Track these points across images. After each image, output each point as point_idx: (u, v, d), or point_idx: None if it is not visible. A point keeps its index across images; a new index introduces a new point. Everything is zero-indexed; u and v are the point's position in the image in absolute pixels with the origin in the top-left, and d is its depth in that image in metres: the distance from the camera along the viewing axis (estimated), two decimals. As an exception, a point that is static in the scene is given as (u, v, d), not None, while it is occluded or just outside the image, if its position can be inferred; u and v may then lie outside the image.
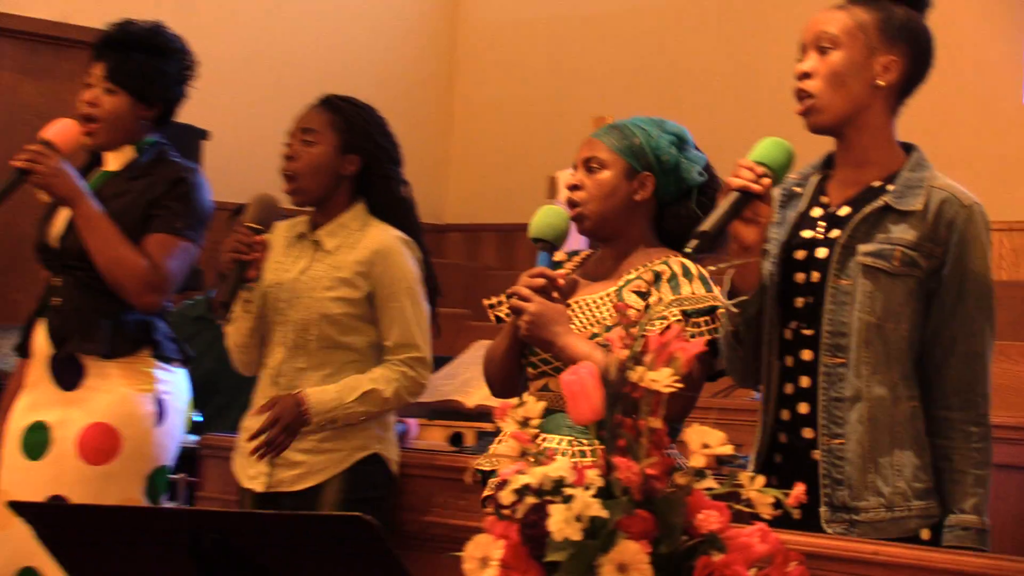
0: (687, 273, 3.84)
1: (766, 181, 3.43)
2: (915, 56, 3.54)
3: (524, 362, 3.98)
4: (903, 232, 3.46)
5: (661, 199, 3.97)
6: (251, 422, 4.64)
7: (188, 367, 4.85)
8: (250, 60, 9.54)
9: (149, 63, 4.73)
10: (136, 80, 4.71)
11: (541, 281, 3.82)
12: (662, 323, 3.67)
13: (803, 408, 3.56)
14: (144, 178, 4.70)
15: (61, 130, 4.64)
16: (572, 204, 3.94)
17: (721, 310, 3.74)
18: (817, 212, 3.60)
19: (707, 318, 3.78)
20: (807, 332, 3.55)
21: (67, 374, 4.65)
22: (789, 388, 3.59)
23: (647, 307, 3.67)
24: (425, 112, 10.56)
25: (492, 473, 3.97)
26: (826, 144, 3.66)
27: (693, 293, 3.81)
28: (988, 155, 8.07)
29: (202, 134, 8.34)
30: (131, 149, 4.75)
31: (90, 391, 4.64)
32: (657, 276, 3.85)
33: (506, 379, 4.04)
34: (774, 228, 3.63)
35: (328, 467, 4.54)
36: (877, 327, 3.46)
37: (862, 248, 3.48)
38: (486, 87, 10.59)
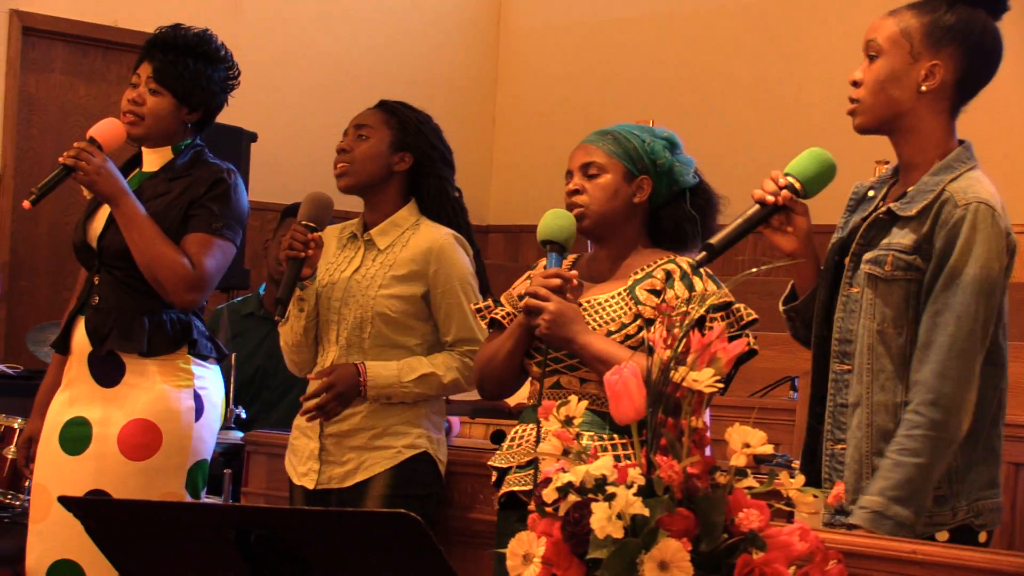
0: (696, 271, 3.88)
1: (785, 194, 3.46)
2: (966, 57, 3.47)
3: (529, 361, 4.00)
4: (901, 237, 3.43)
5: (654, 201, 4.01)
6: (302, 420, 4.63)
7: (229, 364, 4.85)
8: (297, 64, 9.56)
9: (196, 68, 4.74)
10: (181, 83, 4.72)
11: (557, 282, 3.84)
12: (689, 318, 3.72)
13: None
14: (183, 178, 4.70)
15: (106, 128, 4.66)
16: (572, 208, 3.97)
17: (736, 305, 3.81)
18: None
19: (723, 313, 3.82)
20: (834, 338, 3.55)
21: (106, 371, 4.65)
22: None
23: (662, 303, 3.68)
24: (468, 116, 10.56)
25: (508, 470, 3.98)
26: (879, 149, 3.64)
27: (706, 290, 3.85)
28: (996, 157, 8.01)
29: (251, 136, 8.36)
30: (168, 150, 4.76)
31: (129, 388, 4.63)
32: (668, 275, 3.89)
33: (506, 379, 4.08)
34: (837, 232, 3.63)
35: (377, 463, 4.51)
36: (879, 333, 3.43)
37: (866, 256, 3.47)
38: (528, 92, 10.59)
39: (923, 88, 3.46)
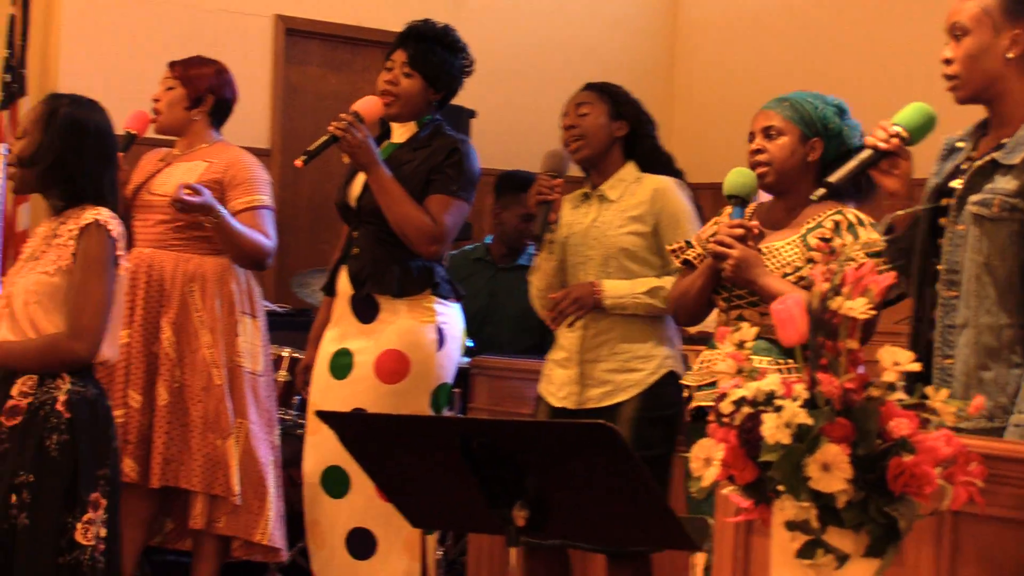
0: (861, 222, 3.83)
1: (894, 141, 3.43)
2: None
3: (717, 296, 3.95)
4: (1006, 183, 3.35)
5: (824, 159, 3.92)
6: (555, 354, 4.56)
7: (461, 303, 4.85)
8: (507, 51, 9.53)
9: (443, 56, 4.76)
10: (431, 68, 4.73)
11: (741, 231, 3.81)
12: (853, 265, 3.64)
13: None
14: (425, 148, 4.71)
15: (368, 104, 4.67)
16: (755, 165, 3.91)
17: None
18: (966, 165, 3.51)
19: (884, 258, 3.71)
20: (941, 268, 3.49)
21: (365, 310, 4.69)
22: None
23: (831, 250, 3.60)
24: (650, 95, 10.29)
25: (699, 388, 3.92)
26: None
27: (870, 238, 3.77)
28: None
29: (471, 113, 8.35)
30: (414, 125, 4.77)
31: (383, 324, 4.67)
32: (837, 225, 3.83)
33: (697, 311, 4.04)
34: (932, 178, 3.57)
35: (630, 387, 4.39)
36: (985, 265, 3.36)
37: (972, 198, 3.39)
38: (701, 75, 10.45)
39: (1009, 55, 3.38)
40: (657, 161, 4.56)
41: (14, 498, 3.67)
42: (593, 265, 4.45)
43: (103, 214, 3.82)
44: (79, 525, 3.69)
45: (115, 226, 3.83)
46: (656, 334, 4.44)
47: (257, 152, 8.39)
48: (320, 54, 8.64)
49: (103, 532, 3.74)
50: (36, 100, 7.65)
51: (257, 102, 8.41)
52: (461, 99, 8.17)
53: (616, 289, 4.38)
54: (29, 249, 3.93)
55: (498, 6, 9.54)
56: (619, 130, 4.53)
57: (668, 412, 4.40)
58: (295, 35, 8.52)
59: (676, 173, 4.58)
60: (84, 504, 3.71)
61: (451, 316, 4.75)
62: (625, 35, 10.25)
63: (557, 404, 4.48)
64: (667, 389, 4.40)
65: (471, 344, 6.00)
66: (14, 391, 3.76)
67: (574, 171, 4.63)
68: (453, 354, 4.77)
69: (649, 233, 4.44)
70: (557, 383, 4.50)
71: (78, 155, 3.85)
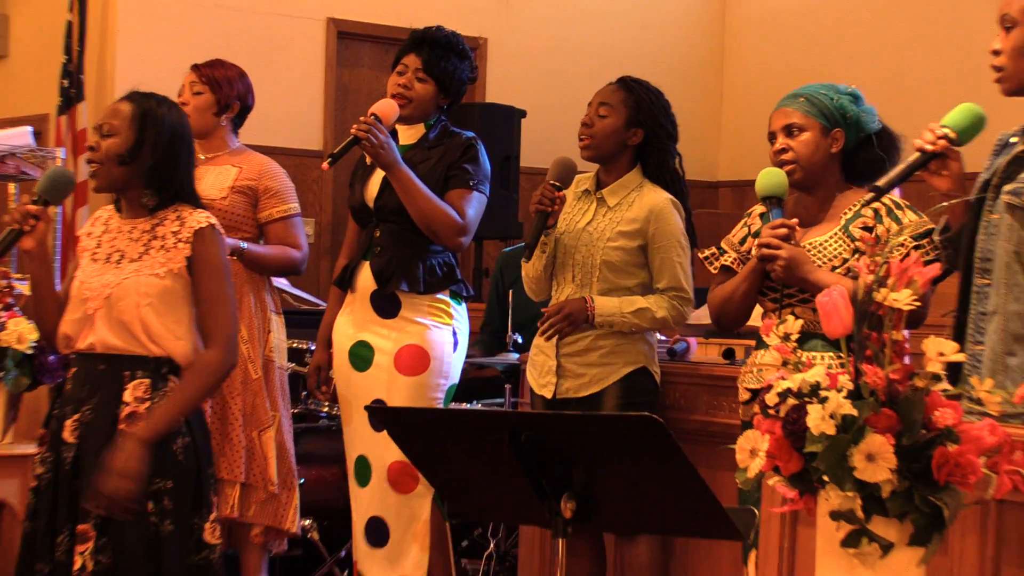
0: (899, 206, 3.86)
1: (942, 143, 3.40)
2: None
3: (763, 298, 3.97)
4: None
5: (846, 147, 3.95)
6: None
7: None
8: (556, 53, 9.55)
9: (455, 63, 4.80)
10: (444, 74, 4.78)
11: (785, 231, 3.82)
12: (901, 251, 3.69)
13: None
14: (438, 147, 4.77)
15: (386, 107, 4.71)
16: (781, 165, 3.92)
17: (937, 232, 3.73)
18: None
19: (928, 239, 3.77)
20: (976, 256, 3.46)
21: (386, 306, 4.75)
22: None
23: (876, 239, 3.59)
24: (700, 90, 10.43)
25: (758, 391, 3.91)
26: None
27: (911, 220, 3.81)
28: None
29: (521, 113, 8.37)
30: (421, 127, 4.83)
31: (404, 320, 4.72)
32: (876, 212, 3.85)
33: (742, 315, 4.06)
34: (984, 173, 3.53)
35: (605, 378, 4.50)
36: (1016, 253, 3.34)
37: (1006, 188, 3.37)
38: (750, 70, 10.43)
39: None
40: (661, 175, 4.61)
41: (151, 506, 3.64)
42: (579, 270, 4.55)
43: (213, 218, 3.81)
44: (207, 525, 3.71)
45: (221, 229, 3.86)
46: (630, 334, 4.53)
47: (309, 154, 8.48)
48: (372, 56, 8.68)
49: (219, 529, 3.77)
50: (94, 105, 7.78)
51: (309, 104, 8.47)
52: (511, 99, 8.22)
53: (606, 307, 4.47)
54: (108, 246, 3.84)
55: (547, 7, 9.55)
56: (632, 138, 4.58)
57: (645, 400, 4.53)
58: (347, 38, 8.58)
59: (678, 189, 4.62)
60: (210, 504, 3.73)
61: (463, 321, 4.84)
62: (674, 33, 10.24)
63: (538, 392, 4.61)
64: (641, 379, 4.53)
65: (519, 340, 6.02)
66: (127, 396, 3.71)
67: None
68: (462, 356, 4.85)
69: (635, 248, 4.51)
70: (540, 369, 4.62)
71: (177, 157, 3.82)
